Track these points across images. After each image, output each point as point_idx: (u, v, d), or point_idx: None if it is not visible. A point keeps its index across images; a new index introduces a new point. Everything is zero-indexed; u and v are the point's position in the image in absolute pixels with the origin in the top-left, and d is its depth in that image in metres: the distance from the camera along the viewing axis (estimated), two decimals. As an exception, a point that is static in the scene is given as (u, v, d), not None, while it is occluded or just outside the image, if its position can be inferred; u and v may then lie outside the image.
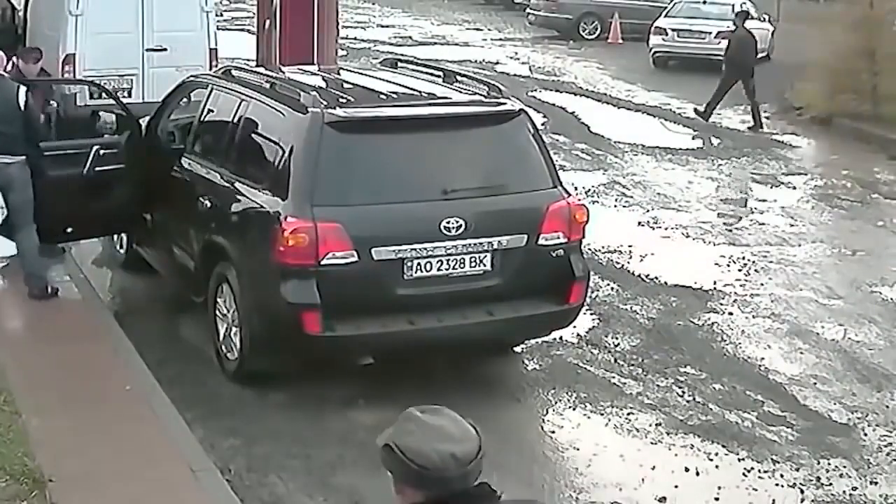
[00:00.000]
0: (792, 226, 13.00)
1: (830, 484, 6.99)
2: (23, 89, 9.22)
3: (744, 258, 11.56)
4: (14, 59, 10.96)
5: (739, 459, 7.25)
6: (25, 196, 9.13)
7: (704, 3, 26.20)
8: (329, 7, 16.11)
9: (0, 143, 8.98)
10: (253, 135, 8.37)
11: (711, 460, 7.25)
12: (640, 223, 12.88)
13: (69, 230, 9.63)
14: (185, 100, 9.83)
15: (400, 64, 9.86)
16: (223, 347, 8.14)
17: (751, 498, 6.83)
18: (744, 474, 7.08)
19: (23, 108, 9.08)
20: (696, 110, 19.67)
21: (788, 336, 9.47)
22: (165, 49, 14.82)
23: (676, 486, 6.89)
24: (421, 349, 8.01)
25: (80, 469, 6.49)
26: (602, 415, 7.85)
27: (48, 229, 9.33)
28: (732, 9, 25.76)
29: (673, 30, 25.64)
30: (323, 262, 7.38)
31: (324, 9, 15.97)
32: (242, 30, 26.35)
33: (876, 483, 7.03)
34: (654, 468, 7.11)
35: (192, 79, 10.02)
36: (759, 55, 20.38)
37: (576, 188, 13.41)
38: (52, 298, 9.18)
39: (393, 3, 37.45)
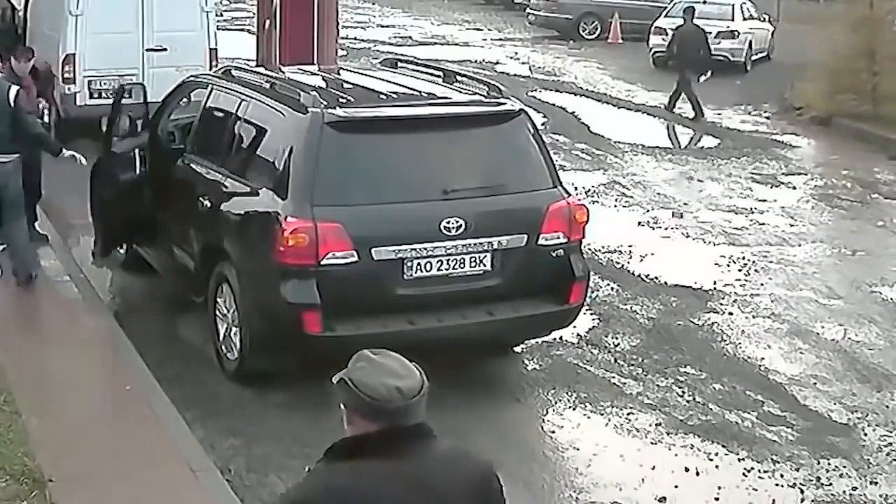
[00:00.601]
0: (792, 226, 13.00)
1: (830, 484, 6.99)
2: (14, 89, 9.45)
3: (744, 258, 11.56)
4: (11, 59, 11.01)
5: (739, 459, 7.25)
6: (17, 191, 9.52)
7: (704, 3, 26.18)
8: (329, 7, 16.13)
9: None
10: (253, 135, 8.37)
11: (711, 460, 7.25)
12: (640, 223, 12.89)
13: (136, 234, 9.77)
14: (185, 100, 9.82)
15: (400, 64, 9.86)
16: (223, 347, 8.14)
17: (751, 498, 6.83)
18: (744, 474, 7.08)
19: (12, 106, 9.31)
20: (699, 118, 19.84)
21: (788, 336, 9.47)
22: (165, 49, 14.83)
23: (676, 486, 6.89)
24: (421, 349, 7.94)
25: (80, 469, 6.49)
26: (602, 415, 7.85)
27: (118, 234, 9.78)
28: (732, 9, 25.85)
29: (673, 30, 25.60)
30: (323, 262, 7.38)
31: (324, 9, 15.99)
32: (242, 30, 26.35)
33: (876, 483, 7.03)
34: (654, 468, 7.11)
35: (192, 79, 10.02)
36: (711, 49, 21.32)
37: (576, 188, 13.42)
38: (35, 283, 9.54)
39: (393, 3, 37.45)
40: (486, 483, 3.37)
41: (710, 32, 25.11)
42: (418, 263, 7.58)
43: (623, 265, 11.17)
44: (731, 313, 9.94)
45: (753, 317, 9.89)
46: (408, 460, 3.19)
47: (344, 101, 8.07)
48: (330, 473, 3.25)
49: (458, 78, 8.92)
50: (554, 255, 7.96)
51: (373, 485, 3.15)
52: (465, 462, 3.45)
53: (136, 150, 9.63)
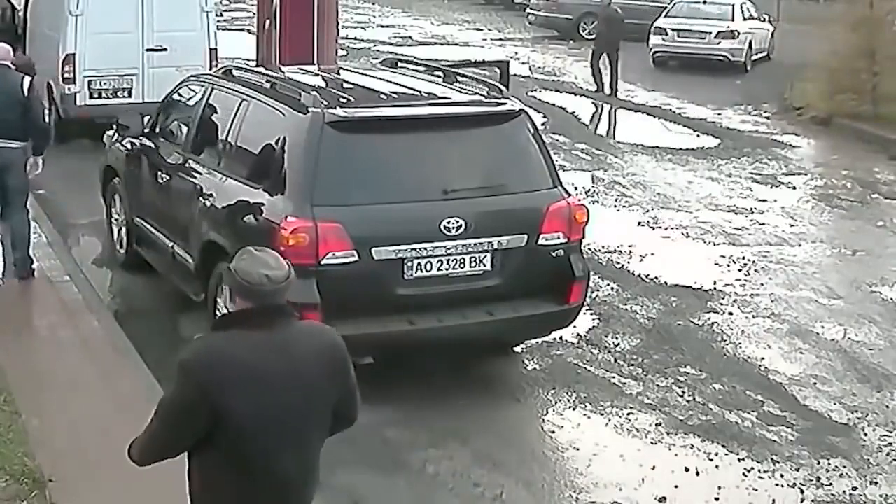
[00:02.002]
0: (792, 226, 13.00)
1: (830, 484, 6.99)
2: (27, 79, 9.48)
3: (744, 258, 11.56)
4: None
5: (739, 459, 7.25)
6: (22, 180, 9.57)
7: (704, 2, 26.20)
8: (329, 7, 16.13)
9: (2, 129, 9.32)
10: (253, 135, 8.36)
11: (711, 460, 7.25)
12: (640, 223, 12.89)
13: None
14: (185, 100, 9.83)
15: (400, 64, 9.86)
16: (223, 347, 8.13)
17: (751, 498, 6.83)
18: (744, 474, 7.08)
19: (26, 96, 9.35)
20: (601, 92, 21.45)
21: (788, 336, 9.47)
22: (165, 49, 14.84)
23: (676, 486, 6.89)
24: (421, 349, 8.01)
25: (80, 469, 6.49)
26: (602, 415, 7.85)
27: None
28: (732, 9, 25.86)
29: (673, 30, 25.66)
30: (323, 262, 7.38)
31: (324, 9, 15.99)
32: (242, 30, 26.36)
33: (876, 483, 7.03)
34: (654, 468, 7.11)
35: (192, 79, 10.02)
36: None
37: (576, 188, 13.43)
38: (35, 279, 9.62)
39: (393, 3, 37.45)
40: (333, 350, 4.29)
41: (710, 32, 25.25)
42: (418, 263, 7.58)
43: (623, 265, 11.17)
44: (731, 313, 9.94)
45: (753, 317, 9.89)
46: (273, 331, 4.11)
47: (344, 100, 8.07)
48: (212, 339, 4.24)
49: (459, 78, 8.93)
50: (554, 255, 7.96)
51: (243, 348, 4.08)
52: (319, 334, 4.36)
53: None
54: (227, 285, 4.41)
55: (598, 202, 13.46)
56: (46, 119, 10.05)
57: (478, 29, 32.74)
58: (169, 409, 4.15)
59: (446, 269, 7.67)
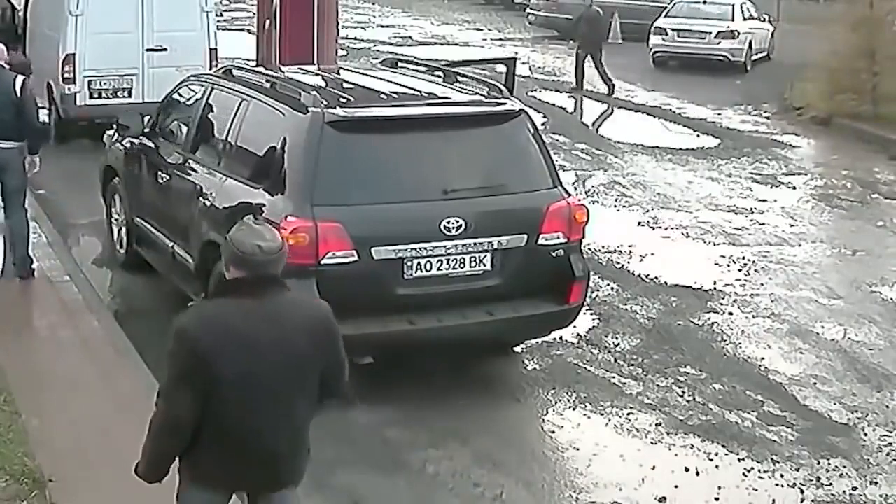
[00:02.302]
0: (792, 226, 13.00)
1: (830, 484, 6.99)
2: (20, 79, 9.49)
3: (744, 258, 11.56)
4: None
5: (739, 459, 7.25)
6: (20, 180, 9.58)
7: (704, 3, 26.20)
8: (329, 7, 16.14)
9: None
10: (253, 134, 8.37)
11: (711, 460, 7.25)
12: (640, 223, 12.88)
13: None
14: (185, 100, 9.83)
15: (400, 64, 9.86)
16: (223, 347, 8.13)
17: (751, 498, 6.83)
18: (744, 474, 7.08)
19: (19, 96, 9.35)
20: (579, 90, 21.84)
21: (788, 336, 9.47)
22: (165, 49, 14.84)
23: (676, 486, 6.89)
24: (421, 349, 8.01)
25: (80, 469, 6.49)
26: (602, 415, 7.85)
27: None
28: (732, 9, 25.86)
29: (673, 30, 25.66)
30: (323, 262, 7.38)
31: (324, 9, 16.00)
32: (242, 30, 26.36)
33: (876, 483, 7.03)
34: (654, 468, 7.11)
35: (192, 79, 10.02)
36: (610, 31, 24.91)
37: (576, 188, 13.43)
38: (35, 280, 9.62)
39: (393, 3, 37.45)
40: (323, 322, 4.51)
41: (710, 32, 25.25)
42: (418, 263, 7.58)
43: (623, 265, 11.16)
44: (731, 313, 9.94)
45: (753, 317, 9.89)
46: (264, 300, 4.34)
47: (344, 100, 8.07)
48: (205, 306, 4.60)
49: (459, 78, 8.93)
50: (554, 255, 7.96)
51: (235, 315, 4.31)
52: (309, 306, 4.64)
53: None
54: (223, 255, 4.43)
55: (598, 202, 13.46)
56: (41, 118, 10.05)
57: (478, 29, 32.74)
58: (172, 384, 4.30)
59: (446, 269, 7.67)
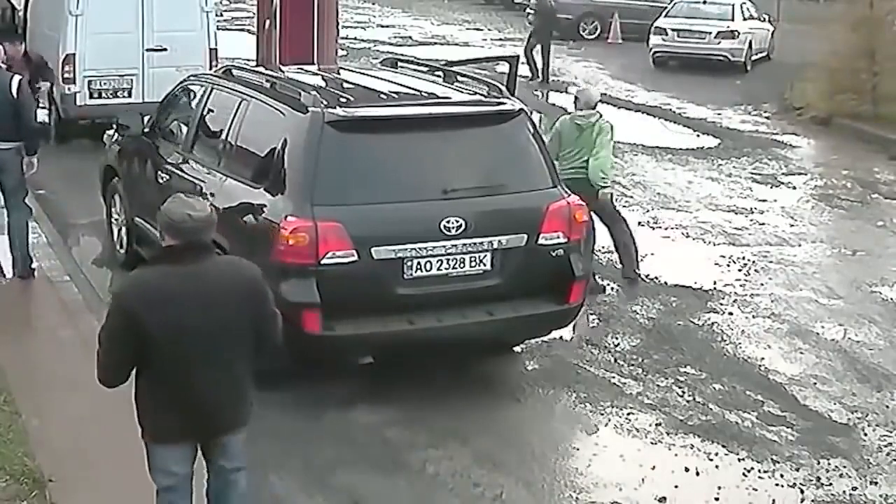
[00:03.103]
0: (792, 226, 13.00)
1: (830, 484, 6.99)
2: (17, 78, 9.52)
3: (744, 258, 11.56)
4: (5, 44, 11.14)
5: (739, 459, 7.25)
6: (18, 179, 9.60)
7: (704, 3, 26.20)
8: (329, 7, 16.14)
9: None
10: (253, 134, 8.36)
11: (711, 460, 7.25)
12: (640, 223, 12.87)
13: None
14: (185, 100, 9.83)
15: (400, 64, 9.86)
16: (223, 347, 8.13)
17: (751, 498, 6.83)
18: (744, 474, 7.08)
19: (16, 96, 9.36)
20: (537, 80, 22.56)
21: (788, 336, 9.47)
22: (165, 49, 14.84)
23: (676, 486, 6.89)
24: (421, 349, 8.01)
25: (80, 469, 6.49)
26: (602, 415, 7.85)
27: None
28: (732, 9, 25.86)
29: (673, 30, 25.65)
30: (323, 262, 7.38)
31: (324, 9, 16.00)
32: (242, 30, 26.36)
33: (876, 483, 7.03)
34: (654, 468, 7.11)
35: (192, 79, 10.02)
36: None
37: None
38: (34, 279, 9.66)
39: (393, 3, 37.44)
40: (249, 281, 5.01)
41: (710, 32, 25.25)
42: (418, 263, 7.58)
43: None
44: (731, 313, 9.94)
45: (753, 317, 9.89)
46: (196, 265, 4.84)
47: (344, 100, 8.07)
48: (139, 273, 5.02)
49: (459, 78, 8.92)
50: (554, 254, 7.96)
51: (166, 278, 4.84)
52: (237, 266, 5.11)
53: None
54: (159, 226, 4.98)
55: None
56: (41, 118, 10.05)
57: (478, 29, 32.71)
58: (106, 335, 4.89)
59: (446, 269, 7.67)
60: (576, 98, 10.81)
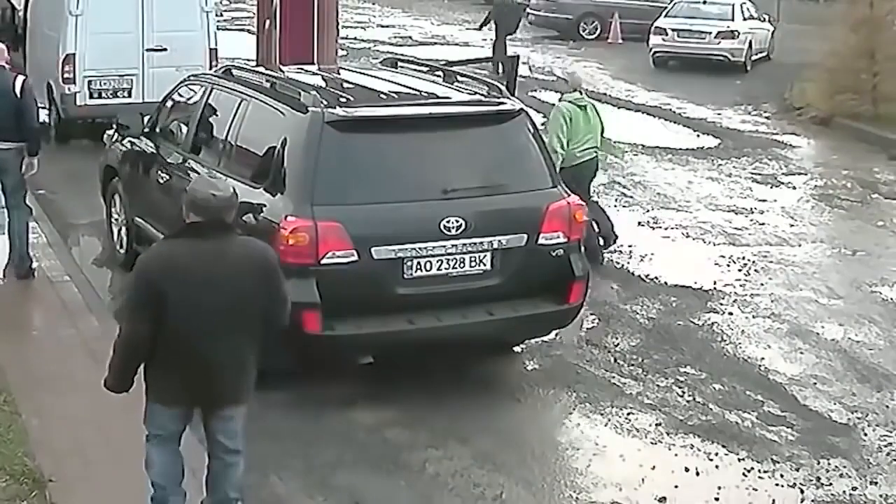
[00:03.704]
0: (792, 226, 13.00)
1: (830, 484, 6.99)
2: (20, 79, 9.50)
3: (744, 258, 11.56)
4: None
5: (739, 459, 7.25)
6: (18, 180, 9.59)
7: (704, 2, 26.20)
8: (329, 7, 16.13)
9: None
10: (253, 134, 8.36)
11: (711, 460, 7.25)
12: (640, 223, 12.88)
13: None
14: (185, 100, 9.83)
15: (400, 63, 9.86)
16: (223, 347, 8.13)
17: (751, 498, 6.83)
18: (744, 474, 7.08)
19: (19, 96, 9.35)
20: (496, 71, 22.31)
21: (788, 336, 9.47)
22: (165, 49, 14.84)
23: (676, 486, 6.89)
24: (421, 349, 8.01)
25: (80, 469, 6.49)
26: (602, 415, 7.85)
27: None
28: (732, 9, 25.86)
29: (673, 30, 25.64)
30: (323, 262, 7.38)
31: (324, 9, 15.99)
32: (242, 30, 26.35)
33: (876, 483, 7.03)
34: (654, 468, 7.11)
35: (192, 79, 10.02)
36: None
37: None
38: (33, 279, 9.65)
39: (393, 3, 37.43)
40: (264, 261, 5.36)
41: (710, 32, 25.25)
42: (418, 263, 7.58)
43: (623, 265, 11.16)
44: (731, 313, 9.94)
45: (753, 317, 9.89)
46: (215, 242, 5.20)
47: (344, 100, 8.07)
48: (162, 245, 5.46)
49: (459, 78, 8.92)
50: (554, 254, 7.96)
51: (186, 252, 5.21)
52: (254, 247, 5.41)
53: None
54: (184, 206, 5.32)
55: (598, 202, 13.43)
56: (41, 118, 10.05)
57: (478, 29, 32.68)
58: (129, 304, 5.31)
59: (446, 269, 7.67)
60: (567, 79, 11.17)
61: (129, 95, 14.81)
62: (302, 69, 10.14)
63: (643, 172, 15.43)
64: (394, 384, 7.96)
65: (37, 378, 7.78)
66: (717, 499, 6.78)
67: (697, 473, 7.09)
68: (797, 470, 7.14)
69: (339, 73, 10.46)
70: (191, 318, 5.16)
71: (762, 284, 10.80)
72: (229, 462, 5.60)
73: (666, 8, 26.90)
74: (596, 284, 10.01)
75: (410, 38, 29.98)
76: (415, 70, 9.55)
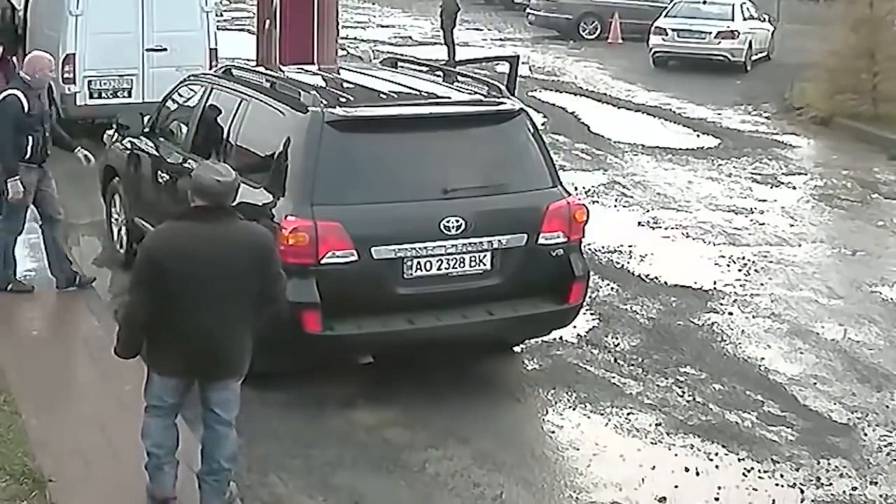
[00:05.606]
0: (792, 226, 13.00)
1: (830, 484, 6.99)
2: (22, 98, 9.09)
3: (744, 258, 11.56)
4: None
5: (739, 459, 7.25)
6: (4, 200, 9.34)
7: (704, 2, 26.20)
8: (329, 7, 16.13)
9: None
10: (253, 134, 8.36)
11: (711, 460, 7.25)
12: (640, 223, 12.88)
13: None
14: (185, 99, 9.82)
15: (400, 63, 9.86)
16: (223, 347, 8.12)
17: (751, 498, 6.83)
18: (744, 474, 7.08)
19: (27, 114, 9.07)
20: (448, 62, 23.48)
21: (788, 336, 9.47)
22: (165, 49, 14.84)
23: (676, 486, 6.89)
24: (421, 348, 8.01)
25: (80, 469, 6.49)
26: (602, 415, 7.85)
27: None
28: (732, 9, 25.87)
29: (673, 30, 25.66)
30: (323, 261, 7.38)
31: (324, 9, 15.99)
32: (242, 30, 26.35)
33: (876, 483, 7.03)
34: (654, 468, 7.11)
35: (192, 79, 10.02)
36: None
37: (576, 188, 13.41)
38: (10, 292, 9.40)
39: (393, 3, 37.45)
40: (260, 244, 5.70)
41: (710, 32, 25.25)
42: (418, 262, 7.58)
43: (623, 265, 11.16)
44: (731, 313, 9.94)
45: (753, 317, 9.89)
46: (215, 224, 5.54)
47: (344, 100, 8.07)
48: (166, 226, 5.73)
49: (459, 78, 8.92)
50: (554, 254, 7.96)
51: (187, 233, 5.56)
52: (252, 231, 5.75)
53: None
54: (190, 190, 5.70)
55: (598, 202, 13.45)
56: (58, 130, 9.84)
57: (478, 29, 32.70)
58: (136, 277, 5.63)
59: (446, 269, 7.67)
60: None
61: (129, 95, 14.81)
62: (302, 69, 10.14)
63: (643, 172, 15.44)
64: (394, 384, 7.96)
65: (37, 378, 7.78)
66: (717, 499, 6.78)
67: (697, 473, 7.08)
68: (797, 470, 7.14)
69: (339, 73, 10.45)
70: (187, 290, 5.48)
71: (762, 284, 10.80)
72: (222, 433, 5.86)
73: (666, 8, 26.91)
74: (596, 284, 10.04)
75: (410, 38, 30.00)
76: (415, 70, 9.56)
